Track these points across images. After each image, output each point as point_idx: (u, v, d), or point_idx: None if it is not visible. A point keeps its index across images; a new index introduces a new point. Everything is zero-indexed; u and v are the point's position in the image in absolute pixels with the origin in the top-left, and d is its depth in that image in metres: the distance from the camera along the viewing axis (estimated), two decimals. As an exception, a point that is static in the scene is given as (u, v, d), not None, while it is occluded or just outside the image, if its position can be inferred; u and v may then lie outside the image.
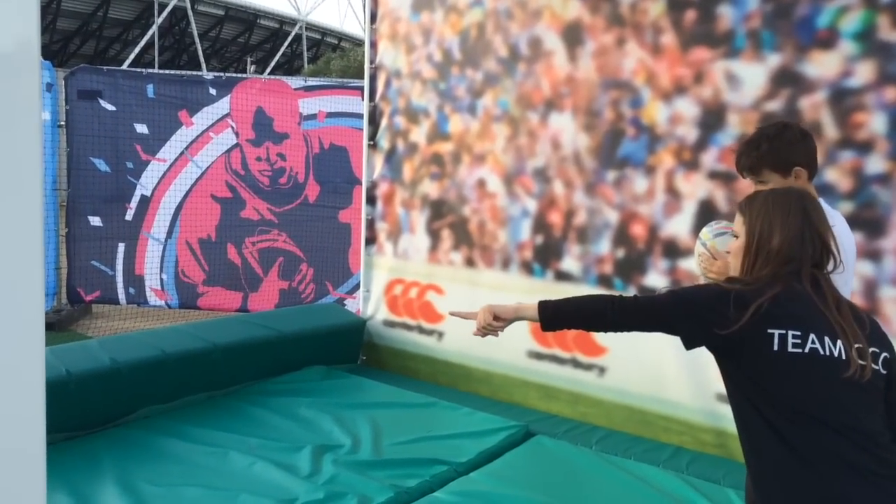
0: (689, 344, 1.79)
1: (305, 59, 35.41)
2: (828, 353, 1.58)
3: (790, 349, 1.59)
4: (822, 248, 1.71)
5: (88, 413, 3.40)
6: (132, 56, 30.29)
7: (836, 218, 2.36)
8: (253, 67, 33.28)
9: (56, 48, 32.88)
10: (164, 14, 30.08)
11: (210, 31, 34.87)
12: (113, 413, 3.51)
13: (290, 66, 38.67)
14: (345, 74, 23.35)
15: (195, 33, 31.83)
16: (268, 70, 35.35)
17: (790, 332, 1.59)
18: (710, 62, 3.43)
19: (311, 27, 37.36)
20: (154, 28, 29.66)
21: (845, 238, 2.32)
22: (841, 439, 1.54)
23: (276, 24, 36.42)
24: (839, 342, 1.59)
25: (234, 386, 4.01)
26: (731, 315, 1.62)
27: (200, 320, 4.96)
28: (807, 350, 1.58)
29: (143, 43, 30.38)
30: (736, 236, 2.49)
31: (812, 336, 1.59)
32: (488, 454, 3.39)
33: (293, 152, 6.27)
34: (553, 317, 1.94)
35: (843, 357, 1.58)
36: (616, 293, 2.03)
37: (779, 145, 2.36)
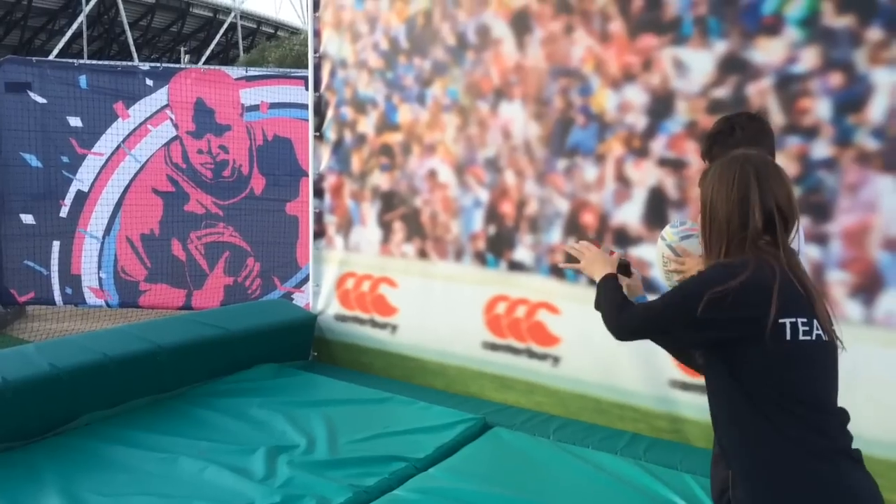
0: (695, 343, 1.84)
1: (241, 49, 34.67)
2: (826, 337, 1.60)
3: (801, 337, 1.57)
4: (776, 211, 1.65)
5: (27, 422, 3.24)
6: (59, 46, 29.16)
7: None
8: (187, 57, 32.43)
9: (-23, 38, 31.46)
10: (92, 3, 29.02)
11: (141, 20, 33.79)
12: (53, 421, 3.35)
13: (225, 56, 37.80)
14: (282, 64, 22.94)
15: (125, 22, 30.81)
16: (202, 60, 34.48)
17: (799, 321, 1.57)
18: (657, 49, 3.44)
19: (245, 16, 36.56)
20: (82, 17, 28.57)
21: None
22: (840, 427, 1.57)
23: (210, 13, 35.52)
24: (823, 323, 1.61)
25: (182, 388, 3.88)
26: (754, 308, 1.58)
27: (144, 320, 4.79)
28: (814, 337, 1.58)
29: (70, 33, 29.25)
30: None
31: (815, 322, 1.59)
32: (447, 448, 3.36)
33: (236, 144, 6.11)
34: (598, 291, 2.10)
35: (830, 338, 1.62)
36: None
37: (751, 134, 2.38)
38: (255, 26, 37.93)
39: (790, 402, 1.56)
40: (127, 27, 31.04)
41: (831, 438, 1.56)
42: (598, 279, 2.18)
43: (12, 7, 30.15)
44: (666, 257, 2.49)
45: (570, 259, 2.47)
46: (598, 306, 2.12)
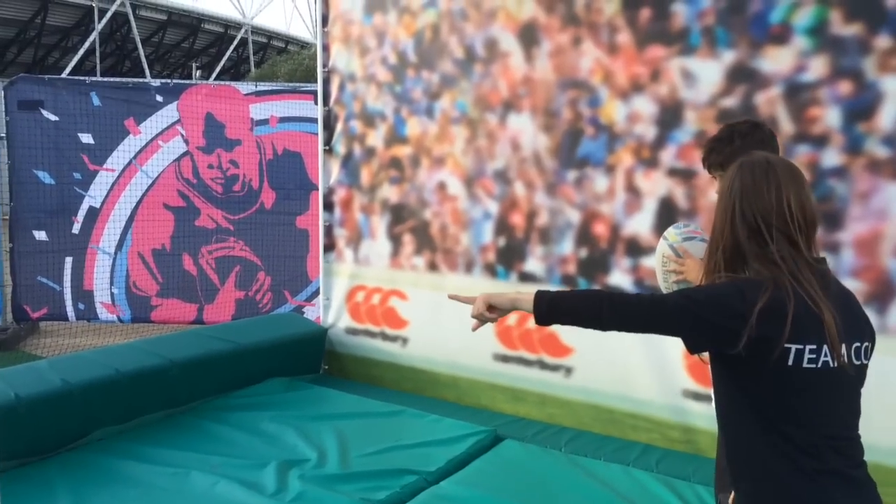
0: (697, 349, 1.66)
1: (252, 63, 34.91)
2: (835, 363, 1.50)
3: (805, 364, 1.49)
4: (804, 221, 1.54)
5: (40, 438, 3.25)
6: (72, 63, 29.45)
7: None
8: (198, 73, 32.69)
9: (-8, 56, 31.83)
10: (105, 20, 29.32)
11: (153, 37, 34.08)
12: (66, 437, 3.36)
13: (236, 71, 38.07)
14: (292, 78, 23.08)
15: (137, 39, 31.07)
16: (213, 75, 34.75)
17: (807, 347, 1.48)
18: (665, 60, 3.44)
19: (256, 31, 36.81)
20: (94, 34, 28.86)
21: None
22: (840, 455, 1.52)
23: (221, 29, 35.79)
24: (834, 347, 1.50)
25: (193, 402, 3.89)
26: (755, 326, 1.47)
27: (155, 335, 4.81)
28: (819, 364, 1.50)
29: (83, 50, 29.55)
30: (706, 241, 2.48)
31: (824, 348, 1.50)
32: (458, 461, 3.35)
33: (246, 159, 6.14)
34: (548, 312, 1.75)
35: (846, 360, 1.52)
36: (617, 290, 2.00)
37: (751, 143, 2.37)
38: (265, 41, 38.19)
39: (783, 422, 1.51)
40: (139, 44, 31.31)
41: (823, 461, 1.51)
42: (531, 304, 1.81)
43: (26, 25, 30.51)
44: (666, 257, 2.48)
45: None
46: (566, 322, 1.84)
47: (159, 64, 37.05)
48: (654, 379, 3.61)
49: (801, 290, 1.50)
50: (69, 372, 3.49)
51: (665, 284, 2.55)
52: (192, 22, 34.34)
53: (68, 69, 29.23)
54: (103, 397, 3.51)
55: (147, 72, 31.81)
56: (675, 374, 3.54)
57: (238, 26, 35.96)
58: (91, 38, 29.23)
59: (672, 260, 2.48)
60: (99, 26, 28.94)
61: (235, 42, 35.86)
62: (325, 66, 4.62)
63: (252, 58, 36.40)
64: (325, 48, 4.62)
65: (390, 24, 4.30)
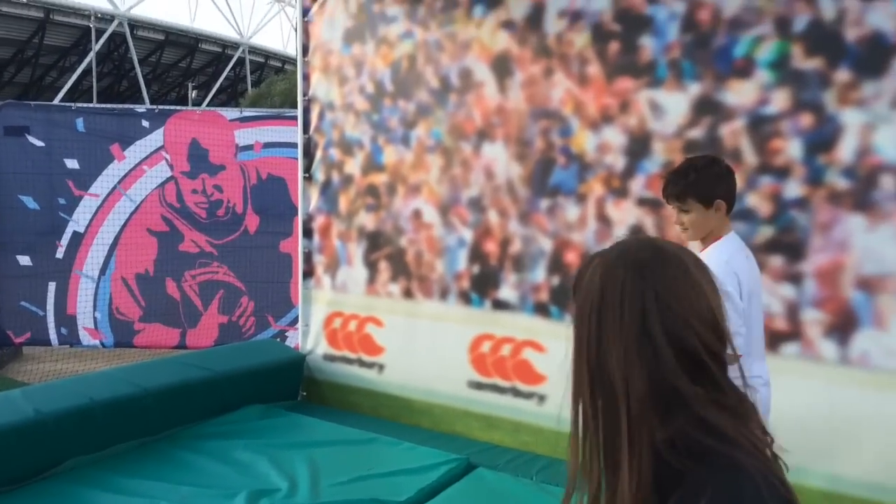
0: None
1: (249, 83, 35.12)
2: None
3: None
4: (702, 345, 1.01)
5: (12, 467, 3.25)
6: (70, 83, 29.64)
7: (730, 253, 2.40)
8: (195, 92, 32.88)
9: (-11, 76, 31.99)
10: (102, 40, 29.53)
11: (150, 57, 34.34)
12: (38, 466, 3.35)
13: (233, 90, 38.31)
14: (288, 97, 23.22)
15: (135, 59, 31.31)
16: (210, 94, 34.97)
17: None
18: (634, 92, 3.49)
19: (253, 50, 37.10)
20: (92, 55, 29.07)
21: (743, 273, 2.37)
22: None
23: (219, 49, 36.07)
24: None
25: (168, 431, 3.88)
26: None
27: (131, 363, 4.82)
28: None
29: (80, 70, 29.75)
30: None
31: None
32: (429, 490, 3.35)
33: (230, 184, 6.18)
34: None
35: None
36: None
37: (706, 177, 2.43)
38: (262, 60, 38.47)
39: None
40: (137, 64, 31.53)
41: None
42: None
43: (24, 45, 30.70)
44: None
45: None
46: None
47: (156, 83, 37.25)
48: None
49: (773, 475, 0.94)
50: (42, 401, 3.49)
51: None
52: (190, 42, 34.61)
53: (65, 89, 29.40)
54: (77, 427, 3.51)
55: (144, 91, 31.97)
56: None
57: (235, 46, 36.23)
58: (88, 58, 29.42)
59: None
60: (96, 46, 29.14)
61: (232, 62, 36.13)
62: (305, 94, 4.67)
63: (249, 77, 36.62)
64: (306, 77, 4.68)
65: (368, 54, 4.36)
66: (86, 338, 6.14)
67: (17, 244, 5.94)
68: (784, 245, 3.14)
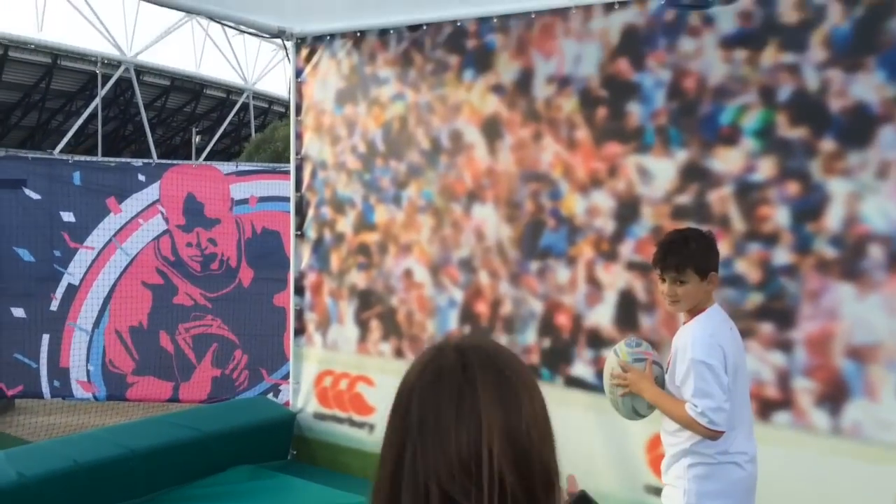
0: None
1: (253, 128, 35.48)
2: None
3: None
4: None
5: (-8, 533, 3.21)
6: (75, 127, 29.95)
7: (714, 327, 2.38)
8: (199, 137, 33.20)
9: (-4, 120, 32.37)
10: (108, 86, 29.93)
11: (156, 101, 34.74)
12: (19, 531, 3.31)
13: (237, 135, 38.67)
14: (289, 143, 23.41)
15: (140, 104, 31.65)
16: (214, 138, 35.30)
17: None
18: (622, 156, 3.52)
19: (258, 96, 37.54)
20: (97, 100, 29.44)
21: (729, 346, 2.35)
22: None
23: (223, 94, 36.51)
24: None
25: (155, 493, 3.84)
26: None
27: (117, 424, 4.78)
28: None
29: (86, 114, 30.09)
30: (658, 364, 2.50)
31: None
32: (417, 560, 3.28)
33: (224, 237, 6.19)
34: None
35: None
36: None
37: (704, 247, 2.42)
38: (266, 105, 38.88)
39: None
40: (142, 108, 31.88)
41: None
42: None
43: (31, 90, 31.12)
44: (613, 374, 2.51)
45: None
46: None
47: (161, 127, 37.63)
48: (615, 472, 3.57)
49: None
50: (26, 464, 3.46)
51: (611, 396, 2.56)
52: (195, 87, 35.06)
53: (70, 133, 29.70)
54: (61, 490, 3.47)
55: (149, 136, 32.29)
56: (637, 468, 3.51)
57: (240, 91, 36.66)
58: (94, 103, 29.79)
59: (617, 376, 2.49)
60: (102, 91, 29.52)
61: (237, 107, 36.52)
62: (297, 153, 4.71)
63: (252, 122, 37.00)
64: (299, 136, 4.72)
65: (360, 114, 4.40)
66: (79, 390, 6.09)
67: (11, 296, 5.94)
68: (774, 312, 3.12)
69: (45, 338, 6.02)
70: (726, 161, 3.23)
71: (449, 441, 0.83)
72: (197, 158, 29.98)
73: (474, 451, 0.82)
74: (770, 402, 3.10)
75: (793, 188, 3.09)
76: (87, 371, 6.08)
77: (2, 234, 5.86)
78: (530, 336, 3.84)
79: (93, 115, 30.50)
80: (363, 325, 4.44)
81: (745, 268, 3.18)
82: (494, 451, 0.82)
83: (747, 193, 3.19)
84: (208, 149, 34.31)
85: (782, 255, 3.11)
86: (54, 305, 6.06)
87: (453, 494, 0.81)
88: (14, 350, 5.97)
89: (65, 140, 29.28)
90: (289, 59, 4.83)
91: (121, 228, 6.08)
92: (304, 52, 4.68)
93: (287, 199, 5.05)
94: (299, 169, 4.71)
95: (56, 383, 6.06)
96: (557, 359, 3.76)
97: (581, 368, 3.68)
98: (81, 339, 6.06)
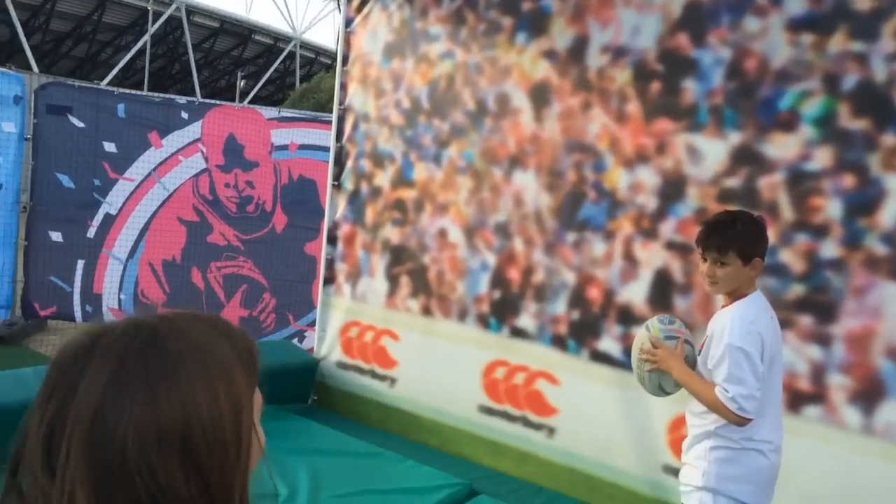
0: None
1: (297, 77, 35.46)
2: None
3: None
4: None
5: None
6: (123, 62, 30.16)
7: (755, 313, 2.33)
8: (243, 82, 33.27)
9: (48, 48, 32.68)
10: (159, 23, 30.02)
11: (204, 43, 34.80)
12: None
13: (281, 82, 38.68)
14: (333, 94, 23.38)
15: (189, 44, 31.74)
16: (259, 84, 35.35)
17: None
18: (672, 134, 3.43)
19: (304, 46, 37.41)
20: (147, 36, 29.57)
21: (768, 335, 2.30)
22: None
23: (270, 41, 36.43)
24: None
25: (175, 424, 3.90)
26: None
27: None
28: None
29: (134, 50, 30.26)
30: (689, 343, 2.47)
31: None
32: (427, 513, 3.32)
33: (262, 181, 6.22)
34: None
35: None
36: None
37: (752, 232, 2.37)
38: (313, 56, 38.77)
39: None
40: (190, 48, 31.98)
41: None
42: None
43: (82, 21, 31.34)
44: (642, 348, 2.48)
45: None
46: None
47: (207, 69, 37.76)
48: (635, 450, 3.55)
49: None
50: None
51: (638, 371, 2.53)
52: (243, 32, 35.02)
53: (119, 67, 29.94)
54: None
55: (195, 76, 32.45)
56: (657, 447, 3.48)
57: (287, 40, 36.57)
58: (143, 39, 29.94)
59: (648, 352, 2.46)
60: (152, 28, 29.64)
61: (283, 55, 36.46)
62: (341, 103, 4.68)
63: (298, 71, 36.97)
64: (343, 86, 4.69)
65: (407, 69, 4.35)
66: (109, 317, 6.20)
67: (51, 220, 6.03)
68: (815, 305, 3.05)
69: (80, 263, 6.13)
70: (781, 147, 3.13)
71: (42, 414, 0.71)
72: (240, 102, 30.07)
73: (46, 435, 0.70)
74: (802, 394, 3.04)
75: (848, 181, 2.99)
76: (119, 299, 6.19)
77: (46, 160, 5.93)
78: (560, 306, 3.81)
79: (141, 52, 30.67)
80: (393, 280, 4.44)
81: (790, 258, 3.10)
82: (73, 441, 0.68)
83: (800, 182, 3.09)
84: (252, 94, 34.39)
85: (830, 248, 3.02)
86: (91, 233, 6.15)
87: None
88: (50, 272, 6.08)
89: (112, 73, 29.53)
90: (339, 8, 4.77)
91: (161, 163, 6.13)
92: (356, 1, 4.62)
93: (326, 149, 5.04)
94: (341, 119, 4.69)
95: (88, 308, 6.17)
96: (585, 332, 3.72)
97: (608, 343, 3.65)
98: (115, 267, 6.15)
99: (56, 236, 6.06)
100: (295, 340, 6.14)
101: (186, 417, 0.70)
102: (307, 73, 36.69)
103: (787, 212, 3.13)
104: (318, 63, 38.61)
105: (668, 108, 3.43)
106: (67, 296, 6.24)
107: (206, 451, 0.71)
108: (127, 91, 6.37)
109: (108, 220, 6.15)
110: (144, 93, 6.46)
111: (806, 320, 3.08)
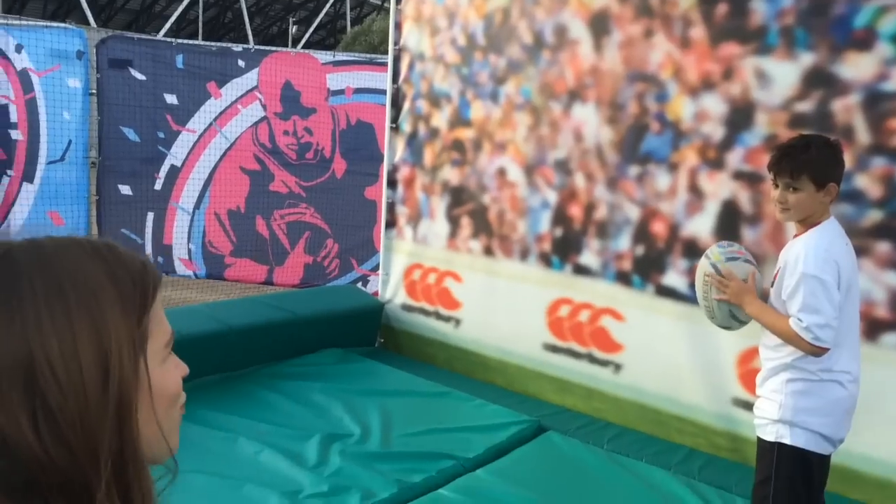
0: None
1: (349, 20, 35.14)
2: None
3: None
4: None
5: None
6: (177, 13, 30.39)
7: (830, 240, 2.25)
8: (294, 28, 33.15)
9: (104, 2, 33.11)
10: (209, -29, 30.05)
11: (254, -11, 34.77)
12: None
13: (332, 26, 38.44)
14: (386, 35, 23.12)
15: (239, -9, 31.75)
16: (311, 29, 35.21)
17: None
18: (739, 58, 3.29)
19: (354, -14, 36.97)
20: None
21: (844, 262, 2.23)
22: None
23: (320, -17, 36.12)
24: None
25: (248, 368, 4.05)
26: None
27: (217, 301, 4.99)
28: None
29: (187, 1, 30.42)
30: (751, 262, 2.41)
31: None
32: (497, 450, 3.38)
33: (320, 127, 6.24)
34: None
35: None
36: None
37: (827, 155, 2.29)
38: (363, -3, 38.31)
39: None
40: (240, -4, 31.98)
41: None
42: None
43: (135, -27, 31.57)
44: (707, 275, 2.43)
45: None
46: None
47: (259, 16, 37.74)
48: (703, 384, 3.53)
49: None
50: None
51: (705, 303, 2.49)
52: (292, -25, 34.79)
53: (173, 17, 30.19)
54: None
55: (248, 24, 32.49)
56: (726, 381, 3.45)
57: (336, -19, 36.18)
58: (195, -11, 30.05)
59: (714, 278, 2.42)
60: (202, -23, 29.69)
61: (332, -3, 36.12)
62: (396, 43, 4.63)
63: (349, 14, 36.61)
64: (398, 26, 4.63)
65: (461, 5, 4.25)
66: (180, 267, 6.41)
67: (119, 174, 6.19)
68: (892, 231, 2.94)
69: (150, 216, 6.31)
70: (857, 67, 2.97)
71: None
72: (293, 48, 30.05)
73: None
74: (880, 322, 2.96)
75: (929, 100, 2.84)
76: (189, 250, 6.37)
77: (110, 114, 6.06)
78: (624, 242, 3.76)
79: (194, 1, 30.81)
80: (454, 222, 4.45)
81: (867, 183, 2.98)
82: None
83: (877, 104, 2.94)
84: (305, 39, 34.31)
85: (909, 173, 2.89)
86: (158, 185, 6.31)
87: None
88: (121, 225, 6.28)
89: (167, 25, 29.81)
90: (389, -55, 4.67)
91: (221, 113, 6.20)
92: (407, -63, 4.52)
93: (382, 92, 5.01)
94: (397, 60, 4.64)
95: (160, 259, 6.37)
96: (650, 267, 3.68)
97: (674, 278, 3.60)
98: (183, 219, 6.32)
99: (125, 189, 6.23)
100: (359, 285, 6.24)
101: (29, 351, 0.61)
102: (358, 16, 36.32)
103: (863, 135, 2.99)
104: (368, 4, 38.14)
105: (735, 32, 3.29)
106: (140, 248, 6.45)
107: (58, 395, 0.61)
108: (185, 41, 6.40)
109: (174, 171, 6.29)
110: (201, 42, 6.49)
111: (883, 247, 2.97)
